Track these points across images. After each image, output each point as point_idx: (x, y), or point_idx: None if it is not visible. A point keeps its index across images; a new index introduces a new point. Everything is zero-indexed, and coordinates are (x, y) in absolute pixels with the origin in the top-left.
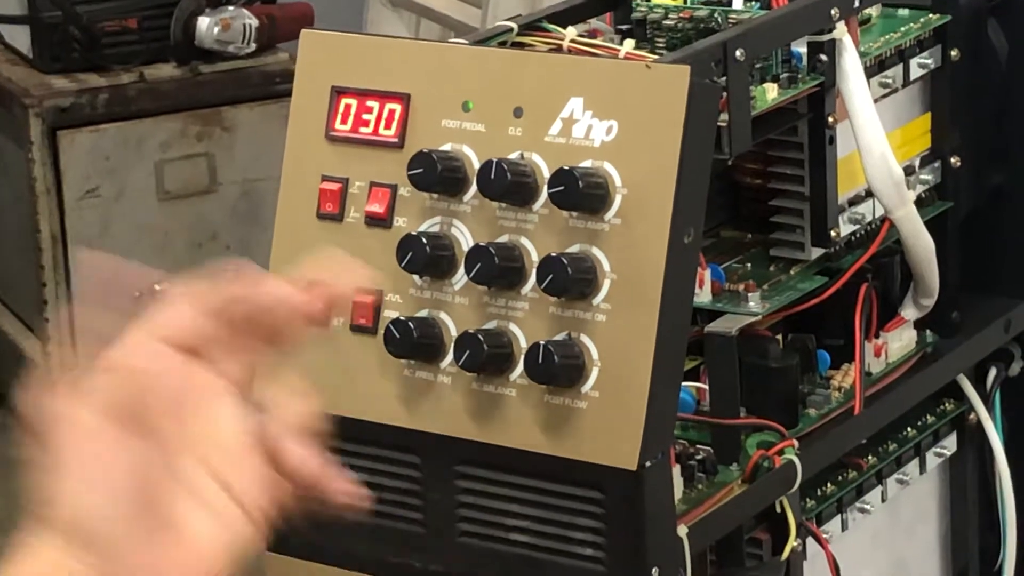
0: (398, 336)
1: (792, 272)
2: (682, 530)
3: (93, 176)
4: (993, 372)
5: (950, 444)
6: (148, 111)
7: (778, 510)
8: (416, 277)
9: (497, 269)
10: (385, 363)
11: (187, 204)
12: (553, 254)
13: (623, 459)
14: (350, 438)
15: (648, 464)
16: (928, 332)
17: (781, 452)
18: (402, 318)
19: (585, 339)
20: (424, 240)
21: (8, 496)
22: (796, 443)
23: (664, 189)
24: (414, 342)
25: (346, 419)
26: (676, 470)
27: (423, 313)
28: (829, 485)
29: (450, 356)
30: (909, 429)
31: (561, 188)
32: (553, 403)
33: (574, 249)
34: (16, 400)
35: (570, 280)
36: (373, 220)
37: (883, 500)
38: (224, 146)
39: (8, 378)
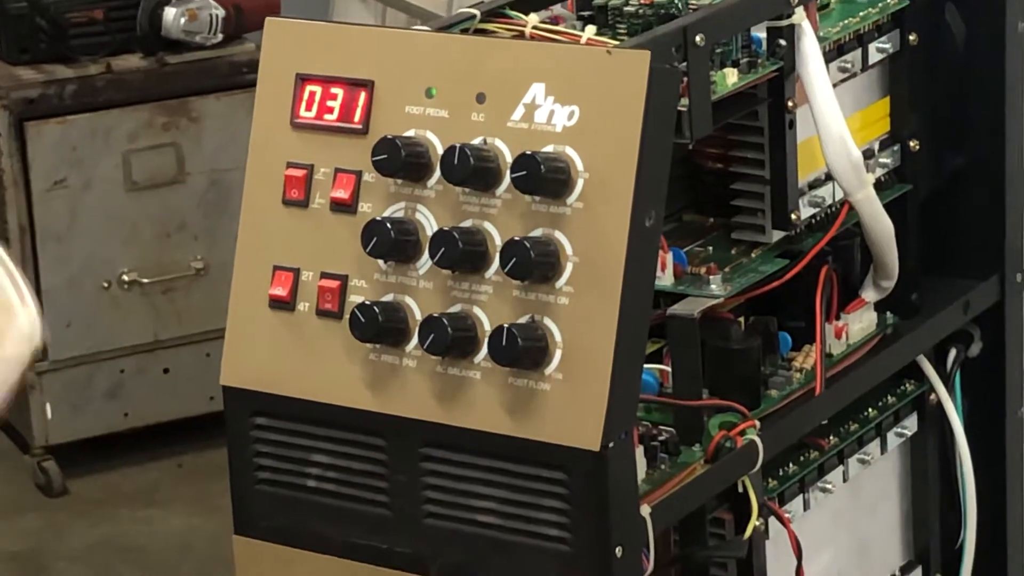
0: (363, 320)
1: (753, 255)
2: (645, 510)
3: (61, 167)
4: (953, 353)
5: (911, 424)
6: (115, 102)
7: (740, 490)
8: (381, 262)
9: (461, 253)
10: (351, 347)
11: (155, 194)
12: (516, 238)
13: (587, 440)
14: (317, 422)
15: (611, 445)
16: (888, 314)
17: (743, 433)
18: (367, 303)
19: (548, 322)
20: (388, 225)
21: None
22: (758, 424)
23: (625, 173)
24: (379, 326)
25: (313, 403)
26: (639, 451)
27: (388, 297)
28: (791, 465)
29: (415, 340)
30: (870, 410)
31: (523, 173)
32: (517, 385)
33: (537, 233)
34: None
35: (533, 263)
36: (338, 206)
37: (844, 480)
38: (191, 136)
39: None
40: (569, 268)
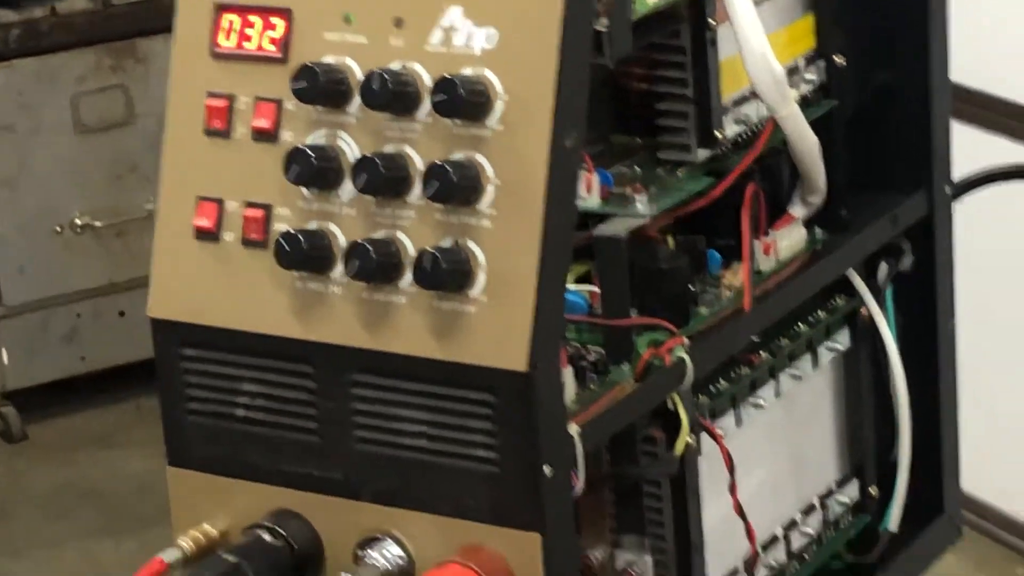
0: (288, 249)
1: (679, 174)
2: (573, 429)
3: (8, 112)
4: (884, 267)
5: (843, 340)
6: (61, 45)
7: (671, 407)
8: (304, 190)
9: (383, 179)
10: (276, 276)
11: (105, 137)
12: (437, 162)
13: (513, 361)
14: (245, 351)
15: (537, 365)
16: (818, 229)
17: (671, 350)
18: (291, 231)
19: (472, 245)
20: (310, 152)
21: None
22: (686, 341)
23: (544, 95)
24: (304, 254)
25: (240, 332)
26: (568, 371)
27: (312, 225)
28: (722, 382)
29: (340, 266)
30: (801, 325)
31: (443, 96)
32: (442, 309)
33: (458, 156)
34: None
35: (455, 187)
36: (260, 135)
37: (777, 396)
38: (139, 78)
39: None
40: (491, 191)
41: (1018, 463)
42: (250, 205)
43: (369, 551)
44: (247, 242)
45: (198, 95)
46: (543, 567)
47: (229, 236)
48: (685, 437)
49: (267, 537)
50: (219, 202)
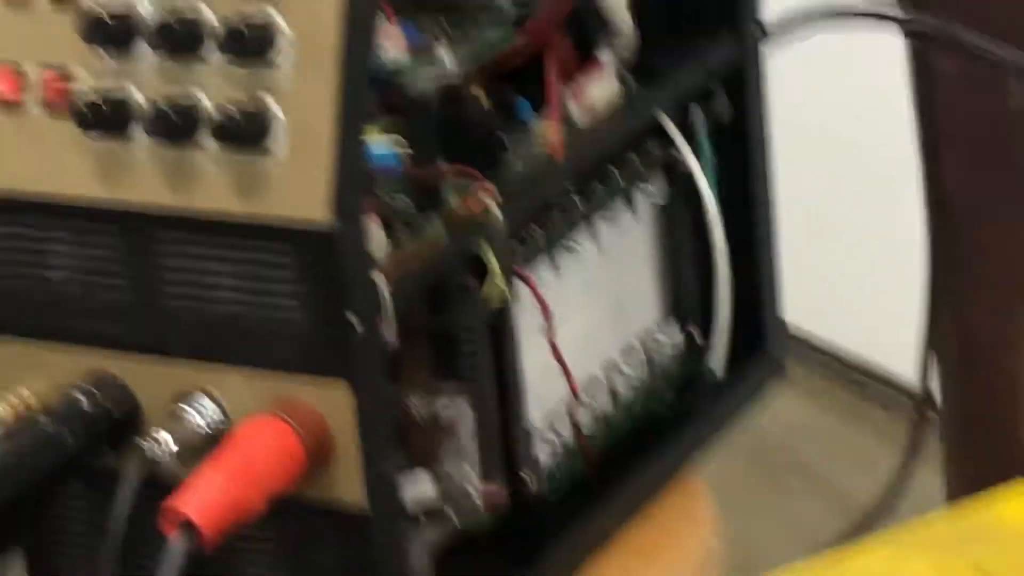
0: (86, 111)
1: (485, 24)
2: (379, 279)
3: None
4: (697, 114)
5: (660, 187)
6: None
7: (480, 256)
8: (100, 49)
9: (176, 35)
10: (76, 140)
11: None
12: (227, 15)
13: (314, 213)
14: (52, 215)
15: (340, 216)
16: (629, 77)
17: (479, 198)
18: (89, 91)
19: (269, 99)
20: (104, 12)
21: None
22: (495, 189)
23: None
24: (103, 115)
25: (45, 197)
26: (375, 224)
27: (111, 85)
28: (536, 230)
29: (139, 126)
30: (616, 171)
31: None
32: (242, 165)
33: (250, 10)
34: None
35: (247, 41)
36: None
37: (593, 241)
38: None
39: None
40: (284, 44)
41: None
42: (48, 67)
43: (183, 406)
44: (47, 106)
45: None
46: (355, 415)
47: (28, 100)
48: (495, 283)
49: (82, 398)
50: (14, 64)
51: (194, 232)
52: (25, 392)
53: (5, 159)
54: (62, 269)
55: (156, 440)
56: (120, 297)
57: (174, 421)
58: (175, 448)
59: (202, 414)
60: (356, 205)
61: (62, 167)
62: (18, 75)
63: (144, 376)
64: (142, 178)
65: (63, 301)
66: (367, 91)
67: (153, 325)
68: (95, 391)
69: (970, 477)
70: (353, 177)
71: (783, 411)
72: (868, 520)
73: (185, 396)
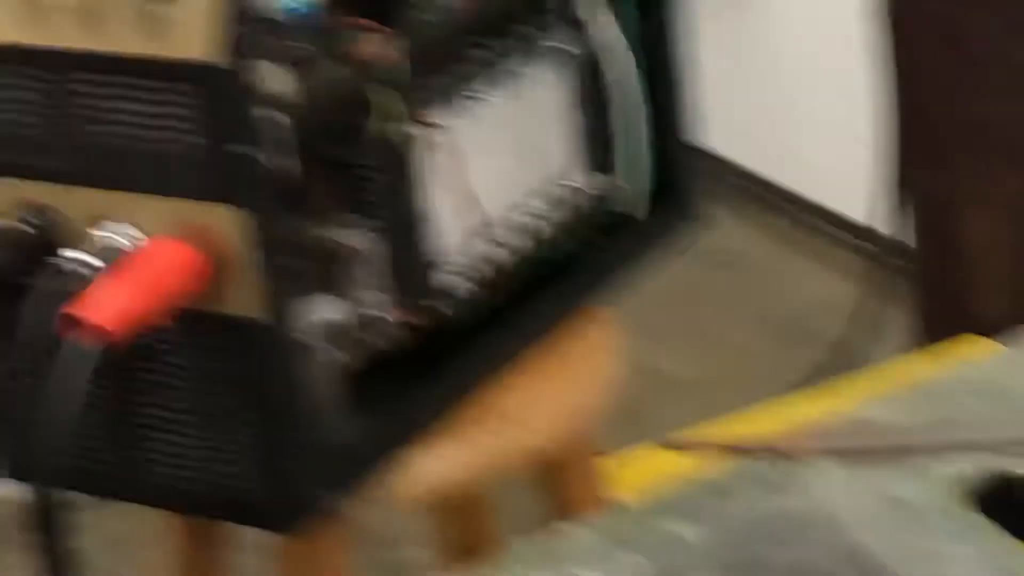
0: None
1: None
2: (276, 113)
3: None
4: None
5: (573, 39)
6: None
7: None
8: None
9: None
10: None
11: None
12: None
13: (210, 53)
14: None
15: (236, 55)
16: None
17: (381, 45)
18: None
19: None
20: None
21: None
22: (398, 39)
23: None
24: None
25: None
26: (279, 67)
27: None
28: (441, 78)
29: None
30: (519, 26)
31: None
32: (146, 6)
33: None
34: None
35: None
36: None
37: (497, 88)
38: None
39: None
40: None
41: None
42: None
43: (100, 231)
44: None
45: None
46: (253, 242)
47: None
48: (393, 124)
49: (12, 223)
50: None
51: (102, 71)
52: None
53: None
54: None
55: (69, 258)
56: (42, 133)
57: (87, 242)
58: (89, 265)
59: (116, 236)
60: (252, 43)
61: None
62: None
63: (62, 202)
64: (55, 21)
65: None
66: None
67: (70, 157)
68: (27, 216)
69: (929, 329)
70: (249, 17)
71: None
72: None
73: (98, 221)
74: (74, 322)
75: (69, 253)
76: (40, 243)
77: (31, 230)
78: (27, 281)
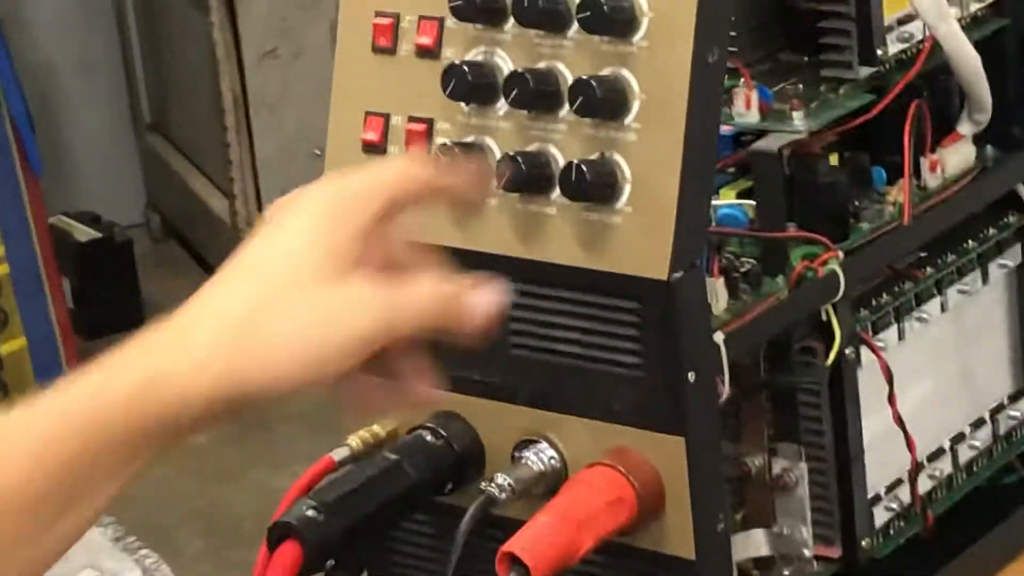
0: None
1: (840, 91)
2: (718, 336)
3: (271, 37)
4: None
5: (1014, 256)
6: None
7: (825, 319)
8: (463, 104)
9: (533, 93)
10: None
11: None
12: (584, 77)
13: (655, 270)
14: None
15: (679, 273)
16: (988, 147)
17: (825, 263)
18: (450, 144)
19: (618, 157)
20: (465, 68)
21: None
22: (841, 254)
23: (687, 12)
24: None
25: None
26: (719, 282)
27: (470, 139)
28: (884, 295)
29: (493, 180)
30: (969, 241)
31: (587, 13)
32: (589, 219)
33: (606, 72)
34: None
35: (600, 101)
36: (423, 52)
37: (943, 310)
38: None
39: (201, 237)
40: (636, 105)
41: None
42: (413, 119)
43: (525, 452)
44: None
45: (367, 14)
46: (687, 470)
47: (394, 149)
48: (836, 347)
49: (429, 437)
50: (385, 117)
51: (540, 283)
52: (378, 427)
53: None
54: None
55: (498, 484)
56: (471, 343)
57: (515, 465)
58: (514, 490)
59: (541, 460)
60: (695, 261)
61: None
62: (385, 123)
63: (488, 419)
64: (494, 227)
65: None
66: (714, 151)
67: (499, 370)
68: (440, 430)
69: None
70: (693, 234)
71: None
72: None
73: (526, 442)
74: (511, 560)
75: (494, 476)
76: (459, 456)
77: (451, 442)
78: (440, 496)
